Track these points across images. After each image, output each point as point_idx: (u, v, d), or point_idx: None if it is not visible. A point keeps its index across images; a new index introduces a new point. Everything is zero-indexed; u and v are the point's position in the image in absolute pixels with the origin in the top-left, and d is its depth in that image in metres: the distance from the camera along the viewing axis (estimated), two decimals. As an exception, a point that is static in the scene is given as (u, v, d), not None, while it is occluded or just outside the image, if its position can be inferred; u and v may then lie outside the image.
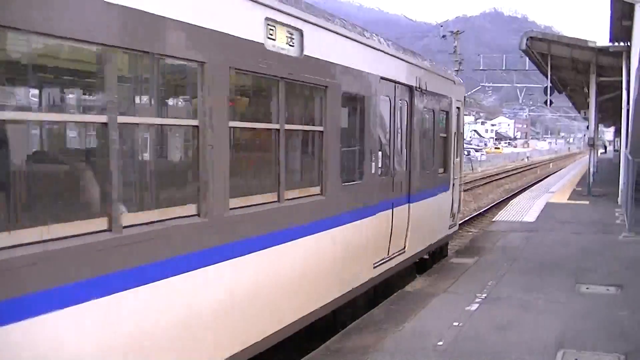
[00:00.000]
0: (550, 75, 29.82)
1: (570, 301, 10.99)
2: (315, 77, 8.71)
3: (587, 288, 11.92)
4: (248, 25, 7.26)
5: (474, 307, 10.59)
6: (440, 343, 8.78)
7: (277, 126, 7.99)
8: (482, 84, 68.84)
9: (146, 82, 6.30)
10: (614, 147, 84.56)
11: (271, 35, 7.65)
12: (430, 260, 14.77)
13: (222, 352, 6.99)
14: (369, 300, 11.32)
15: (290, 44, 8.09)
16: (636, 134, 22.34)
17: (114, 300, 5.45)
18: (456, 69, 44.52)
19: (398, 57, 11.87)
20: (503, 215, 21.86)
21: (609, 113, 46.89)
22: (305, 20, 8.35)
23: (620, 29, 22.54)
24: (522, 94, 73.51)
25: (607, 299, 11.18)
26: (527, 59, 36.39)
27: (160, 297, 6.00)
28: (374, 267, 10.88)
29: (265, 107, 8.21)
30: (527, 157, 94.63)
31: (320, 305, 9.06)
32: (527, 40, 27.05)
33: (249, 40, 7.21)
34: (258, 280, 7.54)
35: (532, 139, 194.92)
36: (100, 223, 5.43)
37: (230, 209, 6.98)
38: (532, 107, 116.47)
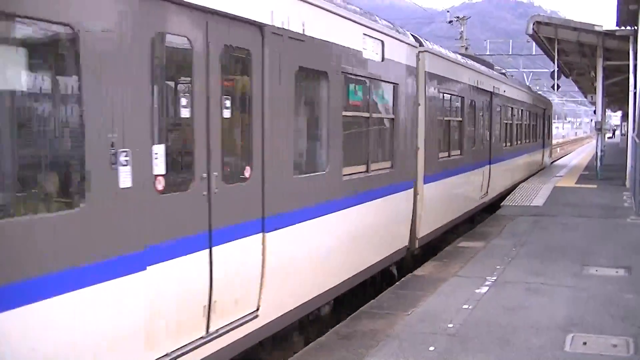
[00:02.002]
0: (557, 59, 29.72)
1: (579, 284, 11.03)
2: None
3: (595, 270, 11.97)
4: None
5: (484, 290, 10.65)
6: (450, 326, 8.85)
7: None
8: (489, 69, 68.47)
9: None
10: (621, 131, 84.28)
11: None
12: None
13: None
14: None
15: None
16: (644, 117, 22.27)
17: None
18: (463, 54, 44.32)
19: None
20: (511, 199, 21.86)
21: (616, 97, 46.72)
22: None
23: (627, 12, 22.43)
24: (529, 78, 73.14)
25: (615, 282, 11.22)
26: (534, 43, 36.27)
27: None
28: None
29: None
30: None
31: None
32: (533, 24, 26.95)
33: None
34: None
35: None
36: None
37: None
38: (538, 92, 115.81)
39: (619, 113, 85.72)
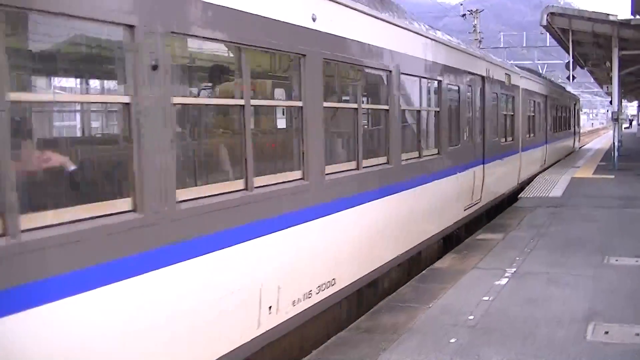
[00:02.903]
0: (572, 50, 29.60)
1: (599, 274, 10.99)
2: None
3: (616, 260, 11.93)
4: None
5: (503, 281, 10.64)
6: (471, 318, 8.85)
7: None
8: (503, 62, 68.23)
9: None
10: (638, 121, 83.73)
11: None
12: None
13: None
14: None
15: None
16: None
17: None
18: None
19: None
20: (529, 191, 21.80)
21: (632, 87, 46.49)
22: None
23: (642, 1, 22.34)
24: (544, 70, 72.83)
25: (636, 271, 11.17)
26: (548, 35, 36.12)
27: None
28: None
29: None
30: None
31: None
32: (547, 16, 26.85)
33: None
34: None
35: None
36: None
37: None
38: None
39: (636, 103, 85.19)
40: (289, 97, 8.45)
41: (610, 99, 39.90)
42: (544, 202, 19.48)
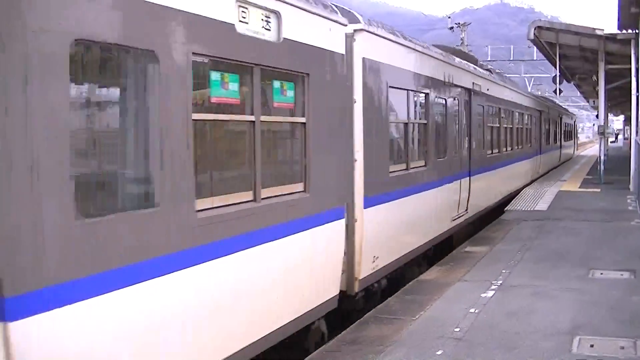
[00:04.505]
0: (559, 64, 29.79)
1: (584, 287, 11.04)
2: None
3: (601, 274, 11.99)
4: None
5: (490, 294, 10.67)
6: (457, 330, 8.86)
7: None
8: (490, 75, 68.49)
9: None
10: (624, 135, 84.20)
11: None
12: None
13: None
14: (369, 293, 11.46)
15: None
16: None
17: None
18: (464, 60, 44.44)
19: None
20: (515, 204, 21.88)
21: (618, 101, 46.75)
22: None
23: (628, 16, 22.47)
24: (530, 84, 73.20)
25: (621, 284, 11.23)
26: (535, 49, 36.31)
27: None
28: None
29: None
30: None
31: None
32: (535, 29, 27.01)
33: None
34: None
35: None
36: None
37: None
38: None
39: (622, 117, 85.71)
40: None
41: (596, 113, 40.10)
42: (530, 215, 19.54)
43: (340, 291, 9.47)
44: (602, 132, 30.59)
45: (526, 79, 71.46)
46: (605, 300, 10.19)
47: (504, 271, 12.24)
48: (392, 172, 11.30)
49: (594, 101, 39.59)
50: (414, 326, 9.17)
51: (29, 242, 4.49)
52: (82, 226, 4.87)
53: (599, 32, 25.81)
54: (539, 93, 61.09)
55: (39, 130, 4.48)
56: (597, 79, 29.16)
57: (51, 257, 4.63)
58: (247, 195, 7.07)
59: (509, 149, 23.07)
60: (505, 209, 20.84)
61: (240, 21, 6.73)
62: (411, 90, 12.34)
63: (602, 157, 29.45)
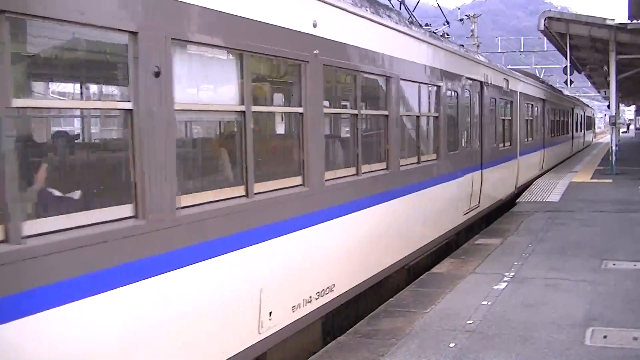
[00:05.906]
0: (569, 55, 29.66)
1: (597, 279, 11.01)
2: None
3: (613, 264, 11.94)
4: None
5: (502, 286, 10.65)
6: (470, 322, 8.86)
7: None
8: (501, 67, 68.28)
9: None
10: (635, 125, 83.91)
11: None
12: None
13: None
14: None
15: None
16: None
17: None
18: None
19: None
20: (527, 196, 21.81)
21: (630, 91, 46.57)
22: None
23: (639, 5, 22.37)
24: (541, 75, 72.98)
25: (635, 275, 11.18)
26: (545, 39, 36.17)
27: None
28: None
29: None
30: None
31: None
32: (545, 20, 26.91)
33: None
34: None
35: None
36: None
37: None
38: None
39: (633, 107, 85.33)
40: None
41: (607, 103, 39.94)
42: (542, 206, 19.48)
43: None
44: (614, 123, 30.46)
45: (537, 70, 71.17)
46: (619, 292, 10.16)
47: (516, 263, 12.21)
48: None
49: (605, 91, 39.46)
50: (426, 319, 9.16)
51: None
52: None
53: (609, 22, 25.66)
54: (550, 83, 60.93)
55: None
56: (608, 69, 29.01)
57: None
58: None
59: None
60: (517, 200, 20.78)
61: None
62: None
63: (614, 148, 29.33)
